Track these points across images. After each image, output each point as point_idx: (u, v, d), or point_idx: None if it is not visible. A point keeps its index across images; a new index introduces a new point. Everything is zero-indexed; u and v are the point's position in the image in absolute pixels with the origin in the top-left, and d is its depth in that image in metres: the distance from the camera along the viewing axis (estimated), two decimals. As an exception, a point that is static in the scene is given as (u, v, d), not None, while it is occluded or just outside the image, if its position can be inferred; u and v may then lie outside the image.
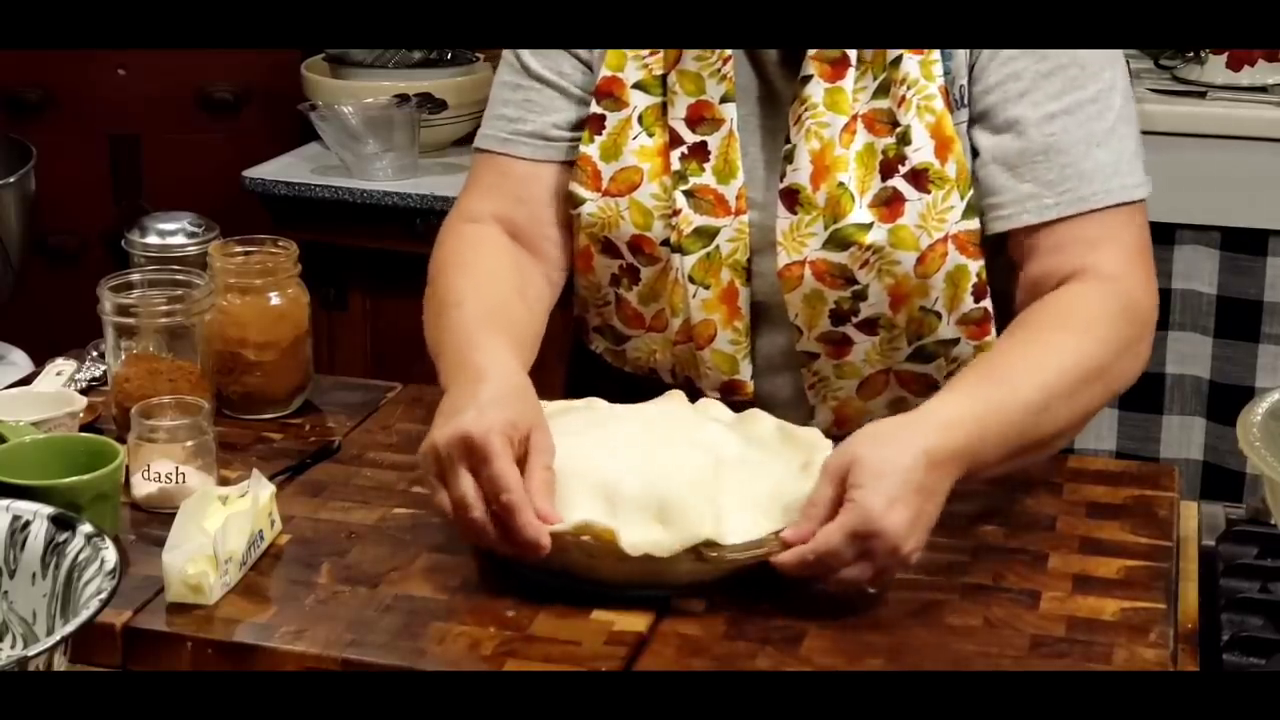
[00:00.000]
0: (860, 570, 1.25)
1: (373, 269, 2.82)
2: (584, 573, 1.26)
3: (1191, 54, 2.89)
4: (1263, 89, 2.81)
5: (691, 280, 1.53)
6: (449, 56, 3.00)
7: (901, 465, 1.25)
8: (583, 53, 1.57)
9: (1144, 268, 1.47)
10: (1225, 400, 2.78)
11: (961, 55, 1.48)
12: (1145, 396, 2.85)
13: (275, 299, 1.60)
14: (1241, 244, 2.74)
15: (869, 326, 1.51)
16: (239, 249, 1.62)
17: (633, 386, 1.56)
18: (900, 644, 1.22)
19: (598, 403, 1.46)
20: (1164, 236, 2.76)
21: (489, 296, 1.50)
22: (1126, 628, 1.24)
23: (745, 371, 1.55)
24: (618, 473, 1.30)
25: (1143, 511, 1.42)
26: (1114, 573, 1.32)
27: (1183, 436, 2.84)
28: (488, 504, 1.26)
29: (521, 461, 1.28)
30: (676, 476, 1.29)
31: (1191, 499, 1.47)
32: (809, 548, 1.24)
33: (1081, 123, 1.46)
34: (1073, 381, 1.37)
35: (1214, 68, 2.85)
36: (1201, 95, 2.81)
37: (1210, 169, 2.71)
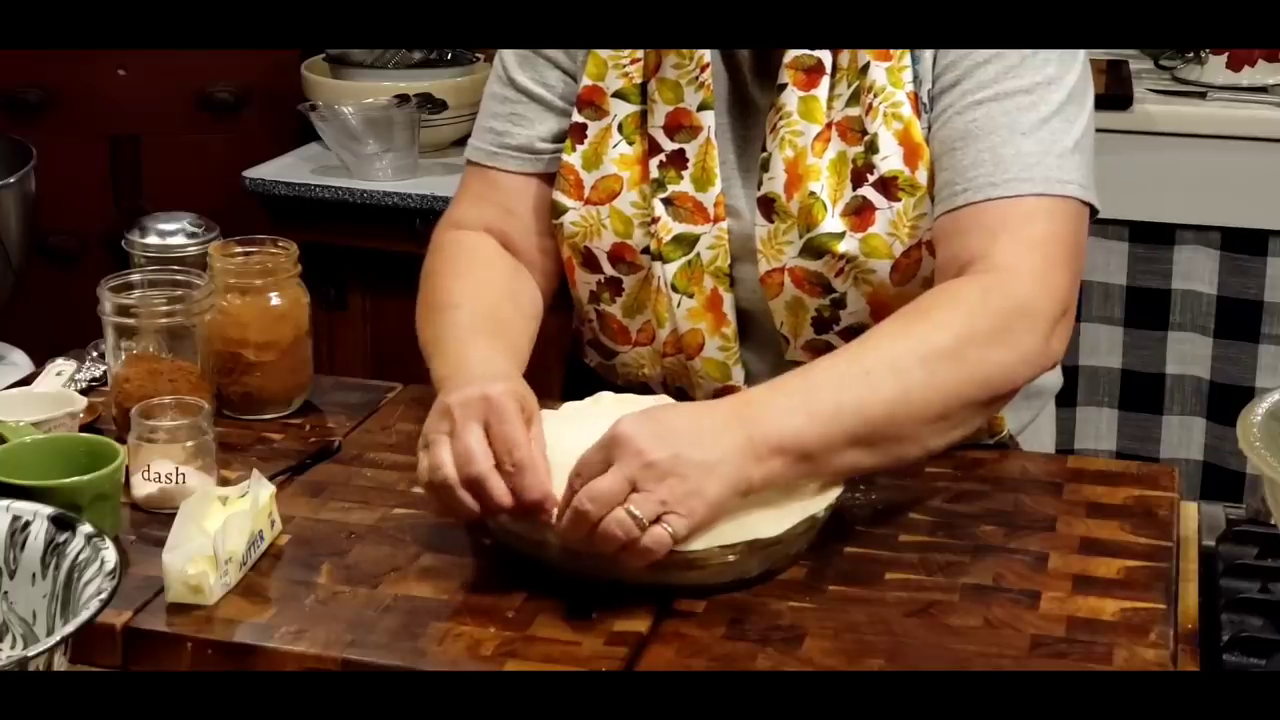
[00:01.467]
0: (610, 480, 1.21)
1: (373, 269, 2.82)
2: (591, 573, 1.27)
3: (1191, 54, 2.89)
4: (1263, 89, 2.81)
5: (675, 289, 1.53)
6: (449, 56, 3.00)
7: (669, 405, 1.28)
8: (567, 64, 1.58)
9: (1043, 264, 1.38)
10: (1225, 400, 2.78)
11: (928, 60, 1.47)
12: (1145, 396, 2.85)
13: (275, 299, 1.60)
14: (1241, 244, 2.74)
15: (853, 336, 1.50)
16: (239, 249, 1.62)
17: None
18: (900, 644, 1.22)
19: (605, 397, 1.47)
20: (1164, 236, 2.77)
21: (483, 301, 1.51)
22: (1126, 628, 1.24)
23: (738, 377, 1.55)
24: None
25: (1143, 512, 1.42)
26: (1114, 573, 1.32)
27: (1183, 436, 2.84)
28: (498, 463, 1.27)
29: None
30: None
31: (1191, 499, 1.47)
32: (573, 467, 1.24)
33: (1009, 111, 1.42)
34: (903, 361, 1.30)
35: (1214, 68, 2.85)
36: (1201, 95, 2.81)
37: (1210, 169, 2.71)
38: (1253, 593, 1.28)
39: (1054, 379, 1.69)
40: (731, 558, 1.26)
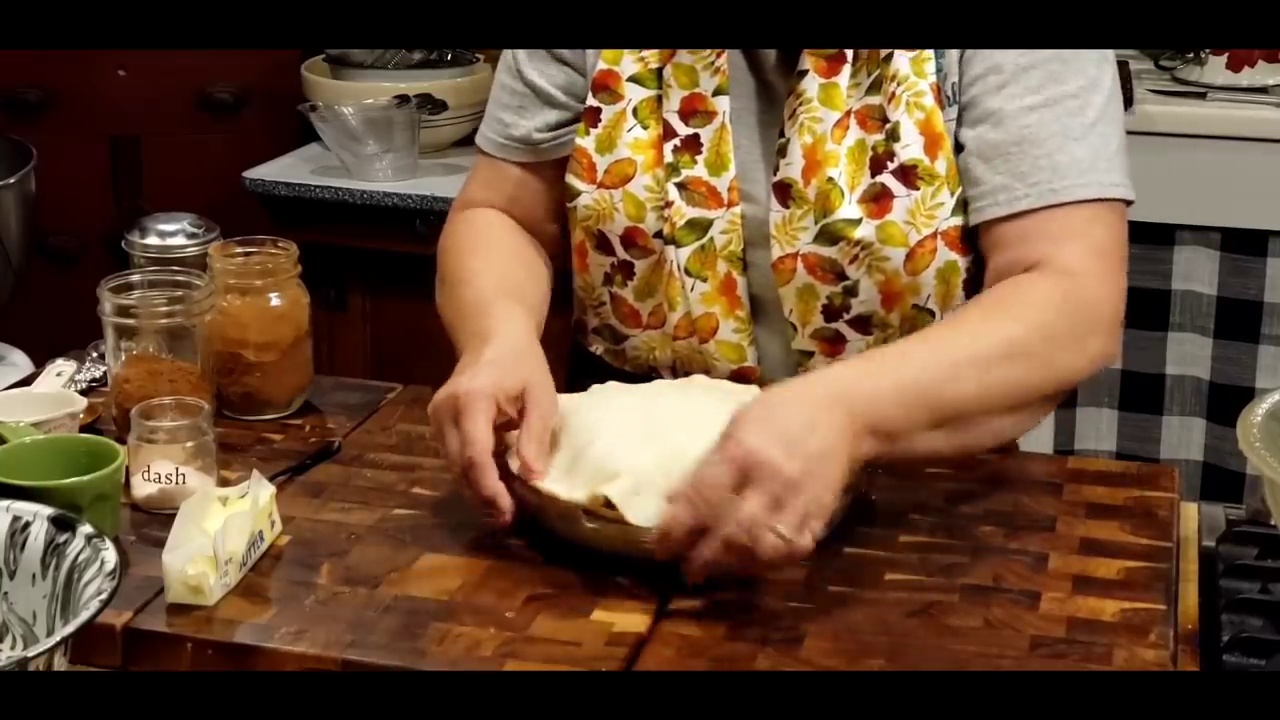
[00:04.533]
0: (756, 503, 1.21)
1: (373, 269, 2.82)
2: (589, 540, 1.29)
3: (1191, 54, 2.89)
4: (1263, 90, 2.81)
5: (688, 273, 1.54)
6: (449, 57, 3.00)
7: (770, 402, 1.28)
8: (573, 59, 1.59)
9: (1107, 267, 1.44)
10: (1225, 400, 2.78)
11: (953, 54, 1.48)
12: (1145, 397, 2.85)
13: (275, 300, 1.60)
14: (1241, 244, 2.74)
15: (862, 325, 1.52)
16: (239, 250, 1.62)
17: None
18: (900, 644, 1.22)
19: (612, 387, 1.47)
20: (1164, 236, 2.77)
21: (500, 270, 1.56)
22: (1126, 628, 1.24)
23: (753, 358, 1.57)
24: (625, 450, 1.32)
25: (1142, 512, 1.42)
26: (1114, 573, 1.32)
27: (1183, 437, 2.84)
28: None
29: (519, 420, 1.34)
30: (689, 457, 1.29)
31: (1191, 499, 1.47)
32: (688, 485, 1.24)
33: (1059, 116, 1.45)
34: (985, 353, 1.36)
35: (1214, 68, 2.85)
36: (1201, 96, 2.81)
37: (1210, 169, 2.71)
38: (1253, 593, 1.28)
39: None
40: None
